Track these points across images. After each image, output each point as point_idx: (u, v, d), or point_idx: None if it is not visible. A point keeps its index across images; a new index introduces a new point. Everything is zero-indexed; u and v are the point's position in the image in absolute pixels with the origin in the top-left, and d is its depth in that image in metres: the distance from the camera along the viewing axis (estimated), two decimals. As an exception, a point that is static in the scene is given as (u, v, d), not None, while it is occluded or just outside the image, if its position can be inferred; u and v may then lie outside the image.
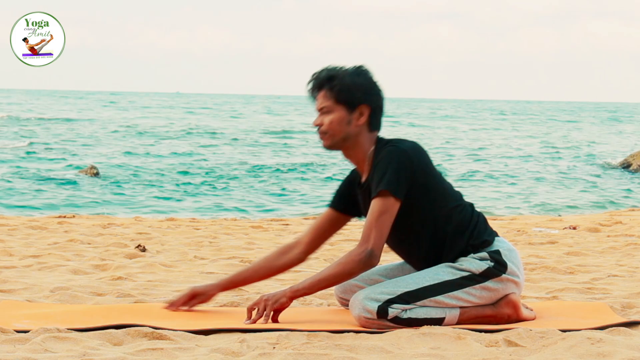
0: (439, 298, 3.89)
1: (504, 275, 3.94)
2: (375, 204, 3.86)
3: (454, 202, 3.99)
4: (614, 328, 3.81)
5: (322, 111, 3.96)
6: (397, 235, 3.98)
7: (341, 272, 3.90)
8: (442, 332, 3.69)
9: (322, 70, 3.98)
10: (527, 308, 4.10)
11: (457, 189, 4.09)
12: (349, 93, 3.92)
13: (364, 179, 4.03)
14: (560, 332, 3.68)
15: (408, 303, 3.86)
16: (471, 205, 4.05)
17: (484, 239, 3.97)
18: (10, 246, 6.65)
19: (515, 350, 3.51)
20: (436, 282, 3.91)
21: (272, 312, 3.93)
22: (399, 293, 3.87)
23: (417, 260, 4.04)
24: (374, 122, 3.98)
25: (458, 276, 3.92)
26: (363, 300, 3.87)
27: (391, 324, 3.84)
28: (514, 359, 3.38)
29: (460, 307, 3.93)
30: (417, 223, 3.95)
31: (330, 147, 3.99)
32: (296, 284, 3.99)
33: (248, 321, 3.93)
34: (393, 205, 3.86)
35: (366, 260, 3.86)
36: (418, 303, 3.87)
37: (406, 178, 3.86)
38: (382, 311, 3.84)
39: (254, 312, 3.96)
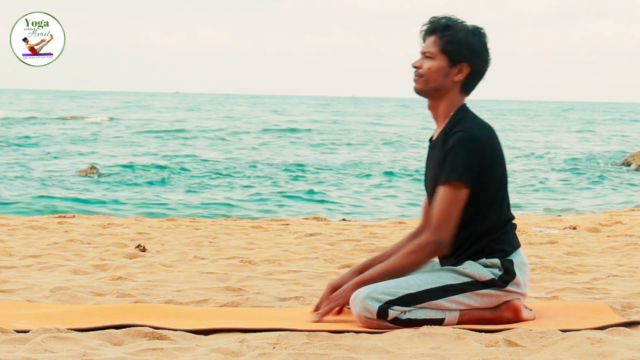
0: (440, 302, 3.89)
1: (508, 287, 3.94)
2: (446, 193, 3.86)
3: (498, 206, 3.98)
4: (614, 328, 3.81)
5: (425, 55, 3.99)
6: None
7: (413, 262, 3.91)
8: (442, 332, 3.69)
9: (442, 17, 4.00)
10: (527, 308, 4.10)
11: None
12: (456, 46, 3.94)
13: (435, 135, 4.05)
14: (560, 332, 3.68)
15: (408, 305, 3.86)
16: (510, 213, 4.03)
17: (503, 248, 3.96)
18: (10, 246, 6.65)
19: (515, 350, 3.51)
20: (438, 285, 3.90)
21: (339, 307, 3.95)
22: (400, 295, 3.87)
23: None
24: (469, 83, 4.00)
25: (460, 281, 3.91)
26: (364, 300, 3.86)
27: (390, 325, 3.84)
28: (514, 359, 3.38)
29: (460, 310, 3.94)
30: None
31: (420, 91, 4.01)
32: (362, 275, 3.96)
33: (316, 316, 3.94)
34: (464, 195, 3.87)
35: (437, 250, 3.88)
36: (418, 305, 3.87)
37: (476, 168, 3.87)
38: (382, 312, 3.84)
39: (323, 306, 3.96)
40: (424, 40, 4.02)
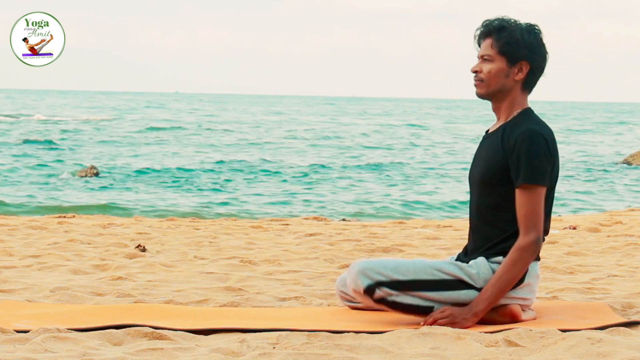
0: (430, 294, 3.89)
1: (510, 293, 3.94)
2: (525, 196, 3.86)
3: (548, 209, 3.97)
4: (614, 328, 3.81)
5: (483, 58, 4.00)
6: (482, 195, 4.00)
7: (521, 268, 3.88)
8: (442, 332, 3.68)
9: (495, 19, 4.00)
10: (529, 309, 4.09)
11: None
12: (514, 46, 3.94)
13: (492, 129, 4.06)
14: (560, 332, 3.68)
15: (398, 290, 3.87)
16: (548, 224, 4.01)
17: None
18: (10, 246, 6.65)
19: (515, 350, 3.51)
20: (434, 278, 3.90)
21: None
22: (392, 278, 3.88)
23: (479, 230, 4.04)
24: (530, 81, 4.00)
25: (458, 279, 3.91)
26: (357, 273, 3.89)
27: (374, 304, 3.88)
28: (514, 359, 3.38)
29: (452, 305, 3.94)
30: (496, 208, 3.95)
31: (483, 95, 4.02)
32: (478, 300, 3.89)
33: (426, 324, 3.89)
34: (542, 192, 3.88)
35: (537, 247, 3.88)
36: (409, 293, 3.88)
37: (548, 166, 3.88)
38: (369, 289, 3.87)
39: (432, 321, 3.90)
40: (479, 44, 4.03)
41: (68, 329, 3.71)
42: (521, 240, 3.88)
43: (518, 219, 3.90)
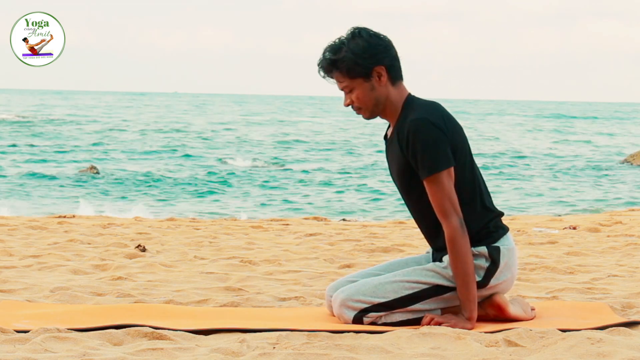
0: (417, 306, 3.92)
1: (489, 285, 3.93)
2: (435, 187, 3.84)
3: (477, 189, 3.96)
4: (614, 328, 3.81)
5: (345, 91, 3.97)
6: (409, 199, 4.00)
7: (463, 256, 3.84)
8: (442, 332, 3.69)
9: (323, 54, 3.94)
10: (530, 309, 4.09)
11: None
12: (357, 65, 3.89)
13: (389, 133, 4.03)
14: (560, 332, 3.68)
15: (384, 311, 3.91)
16: (493, 205, 4.00)
17: (489, 232, 3.94)
18: (10, 246, 6.65)
19: (515, 350, 3.51)
20: (414, 291, 3.92)
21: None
22: (375, 302, 3.91)
23: (423, 229, 4.06)
24: (394, 74, 3.95)
25: (437, 284, 3.92)
26: (340, 307, 3.93)
27: (368, 328, 3.89)
28: (514, 359, 3.38)
29: (441, 309, 3.96)
30: (427, 207, 3.93)
31: (370, 117, 4.00)
32: (462, 306, 3.87)
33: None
34: (448, 176, 3.84)
35: (462, 229, 3.84)
36: (395, 311, 3.91)
37: (446, 148, 3.84)
38: (357, 320, 3.92)
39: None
40: (333, 78, 3.96)
41: (68, 329, 3.71)
42: (446, 231, 3.85)
43: (435, 211, 3.87)
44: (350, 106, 3.98)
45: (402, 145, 3.89)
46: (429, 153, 3.82)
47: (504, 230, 4.00)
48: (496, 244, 3.95)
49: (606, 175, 21.75)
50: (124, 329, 3.71)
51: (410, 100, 3.96)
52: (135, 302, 4.53)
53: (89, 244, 6.92)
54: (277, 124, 47.25)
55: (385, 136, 4.08)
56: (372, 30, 3.94)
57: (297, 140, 33.52)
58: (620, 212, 11.16)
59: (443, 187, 3.84)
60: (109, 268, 5.72)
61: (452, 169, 3.85)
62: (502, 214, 4.03)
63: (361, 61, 3.88)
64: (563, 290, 4.93)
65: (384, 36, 3.95)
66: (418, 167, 3.86)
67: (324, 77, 3.97)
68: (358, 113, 3.98)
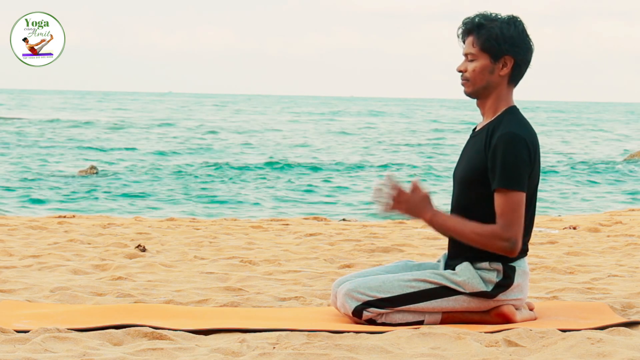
0: (420, 305, 3.91)
1: (498, 297, 3.93)
2: (508, 200, 3.84)
3: (528, 221, 3.96)
4: (614, 328, 3.81)
5: (467, 57, 3.98)
6: (461, 192, 4.00)
7: (477, 242, 3.87)
8: (442, 332, 3.69)
9: (475, 16, 3.97)
10: (529, 309, 4.09)
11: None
12: (495, 42, 3.91)
13: (479, 127, 4.04)
14: (560, 332, 3.68)
15: (386, 307, 3.90)
16: (532, 226, 4.01)
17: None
18: (10, 246, 6.65)
19: (515, 350, 3.51)
20: (419, 289, 3.91)
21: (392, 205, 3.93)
22: (378, 297, 3.91)
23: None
24: (516, 75, 3.98)
25: (443, 285, 3.91)
26: (344, 296, 3.93)
27: (365, 324, 3.90)
28: (514, 359, 3.38)
29: (443, 312, 3.95)
30: (475, 207, 3.93)
31: (470, 94, 4.01)
32: (442, 213, 3.94)
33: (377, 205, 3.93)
34: (523, 198, 3.86)
35: (509, 251, 3.87)
36: (396, 309, 3.90)
37: (526, 172, 3.86)
38: (357, 312, 3.92)
39: (386, 197, 3.93)
40: (463, 42, 4.01)
41: (68, 329, 3.71)
42: (499, 230, 3.85)
43: (497, 217, 3.87)
44: (460, 73, 4.00)
45: (487, 144, 3.90)
46: (512, 168, 3.84)
47: (523, 253, 4.01)
48: (512, 264, 3.95)
49: (606, 174, 21.75)
50: (124, 329, 3.71)
51: (514, 110, 3.98)
52: (135, 302, 4.53)
53: (89, 244, 6.92)
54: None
55: (474, 129, 4.10)
56: (526, 28, 3.98)
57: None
58: (620, 212, 11.15)
59: (514, 204, 3.85)
60: (109, 268, 5.72)
61: (524, 194, 3.87)
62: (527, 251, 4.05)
63: (502, 42, 3.91)
64: (563, 290, 4.93)
65: (531, 40, 3.99)
66: (494, 173, 3.87)
67: (461, 35, 4.00)
68: (463, 84, 4.00)
